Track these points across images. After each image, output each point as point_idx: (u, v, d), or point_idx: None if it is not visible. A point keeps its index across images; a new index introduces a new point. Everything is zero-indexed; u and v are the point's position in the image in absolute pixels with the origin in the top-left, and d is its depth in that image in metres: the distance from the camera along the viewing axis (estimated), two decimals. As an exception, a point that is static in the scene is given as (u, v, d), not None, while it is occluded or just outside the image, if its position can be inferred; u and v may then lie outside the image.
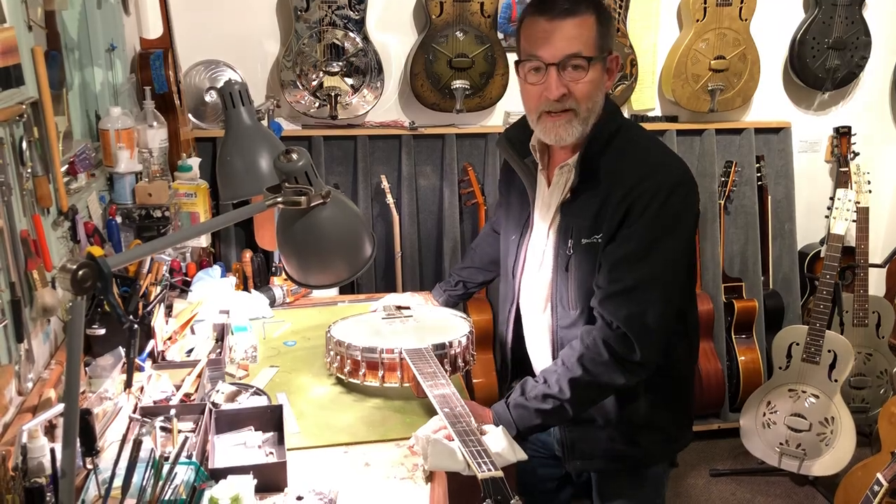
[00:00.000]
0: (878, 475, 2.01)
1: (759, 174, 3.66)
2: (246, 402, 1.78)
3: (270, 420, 1.68)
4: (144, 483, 1.32)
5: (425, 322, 2.01)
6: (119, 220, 2.20)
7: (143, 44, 2.84)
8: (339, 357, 1.87)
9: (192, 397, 1.78)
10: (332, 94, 3.18)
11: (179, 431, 1.59)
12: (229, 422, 1.66)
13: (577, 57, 1.54)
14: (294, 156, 1.38)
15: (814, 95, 3.69)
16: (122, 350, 1.76)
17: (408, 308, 2.09)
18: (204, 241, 2.54)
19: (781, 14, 3.55)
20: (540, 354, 1.82)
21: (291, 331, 2.26)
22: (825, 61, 3.51)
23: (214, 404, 1.72)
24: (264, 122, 2.87)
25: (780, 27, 3.55)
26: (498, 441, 1.41)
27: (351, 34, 3.15)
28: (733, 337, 3.66)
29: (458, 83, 3.24)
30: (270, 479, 1.49)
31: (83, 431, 1.30)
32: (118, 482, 1.32)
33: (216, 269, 2.39)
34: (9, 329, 1.52)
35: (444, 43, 3.21)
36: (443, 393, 1.59)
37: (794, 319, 3.70)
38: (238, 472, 1.44)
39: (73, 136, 2.10)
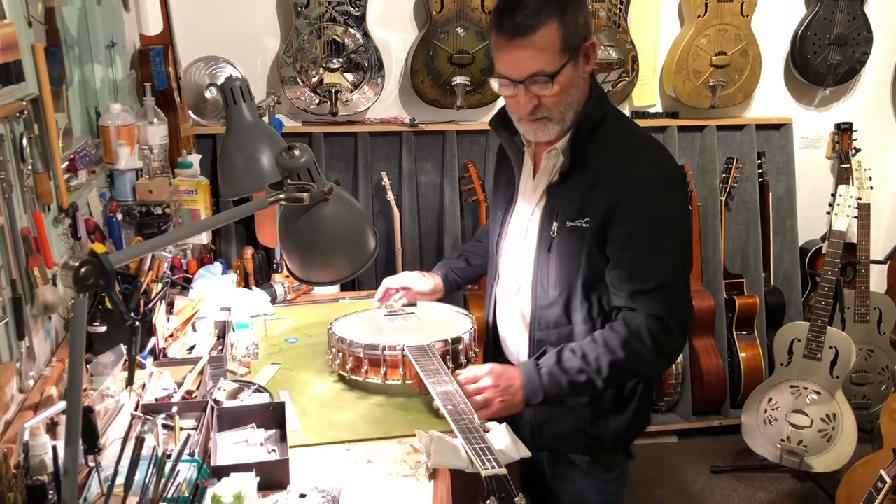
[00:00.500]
0: (882, 472, 2.01)
1: (760, 170, 3.65)
2: (248, 399, 1.77)
3: (272, 417, 1.68)
4: (147, 481, 1.32)
5: (427, 319, 2.00)
6: (120, 216, 2.20)
7: (143, 40, 2.83)
8: (341, 354, 1.86)
9: (194, 395, 1.77)
10: (333, 90, 3.17)
11: (181, 429, 1.58)
12: (231, 419, 1.65)
13: (540, 75, 1.55)
14: (296, 152, 1.37)
15: (815, 91, 3.68)
16: (123, 347, 1.75)
17: (411, 305, 2.07)
18: (205, 238, 2.53)
19: (783, 10, 3.54)
20: (514, 333, 1.85)
21: (293, 328, 2.26)
22: (826, 57, 3.51)
23: (216, 402, 1.71)
24: (265, 119, 2.86)
25: (781, 23, 3.55)
26: (501, 438, 1.41)
27: (351, 30, 3.15)
28: (734, 333, 3.66)
29: (458, 79, 3.23)
30: (273, 476, 1.49)
31: (85, 429, 1.29)
32: (120, 480, 1.31)
33: (217, 267, 2.38)
34: (10, 326, 1.52)
35: (444, 39, 3.20)
36: (446, 390, 1.59)
37: (796, 316, 3.69)
38: (240, 470, 1.43)
39: (73, 133, 2.09)
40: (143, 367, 1.81)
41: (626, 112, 3.55)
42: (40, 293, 1.62)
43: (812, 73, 3.54)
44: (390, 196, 3.32)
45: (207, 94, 3.15)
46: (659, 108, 3.61)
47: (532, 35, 1.53)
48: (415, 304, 2.07)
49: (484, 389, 1.64)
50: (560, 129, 1.65)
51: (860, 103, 3.75)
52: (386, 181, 3.32)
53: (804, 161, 3.76)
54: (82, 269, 1.00)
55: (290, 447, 1.60)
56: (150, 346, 1.87)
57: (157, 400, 1.71)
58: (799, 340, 3.13)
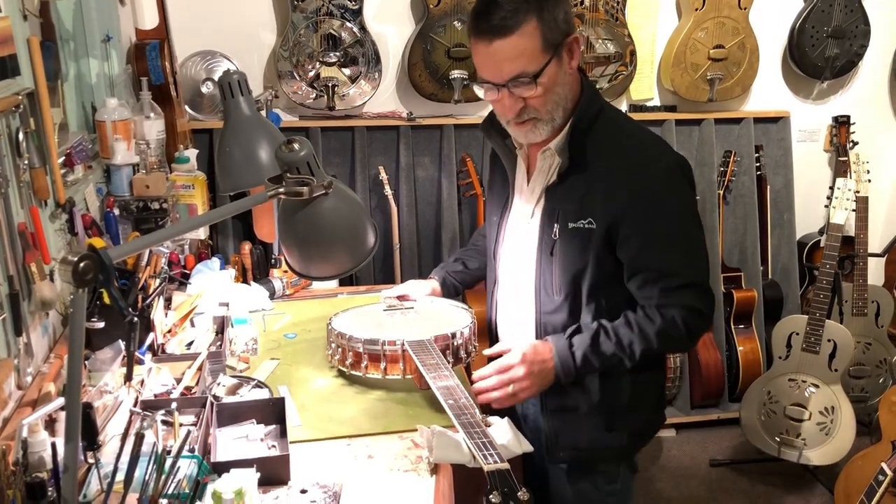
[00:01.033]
0: (883, 465, 2.00)
1: (757, 164, 3.65)
2: (247, 395, 1.77)
3: (272, 413, 1.67)
4: (147, 477, 1.31)
5: (427, 313, 1.99)
6: (117, 212, 2.18)
7: (139, 34, 2.81)
8: (340, 349, 1.86)
9: (193, 390, 1.76)
10: (330, 84, 3.16)
11: (181, 425, 1.58)
12: (231, 415, 1.65)
13: (523, 76, 1.52)
14: (296, 146, 1.36)
15: (813, 84, 3.68)
16: (121, 343, 1.74)
17: (410, 300, 2.07)
18: (202, 233, 2.52)
19: (780, 2, 3.54)
20: (518, 338, 1.79)
21: (291, 323, 2.25)
22: (824, 50, 3.50)
23: (216, 397, 1.71)
24: (263, 113, 2.85)
25: (778, 16, 3.54)
26: (503, 433, 1.40)
27: (348, 24, 3.13)
28: (732, 327, 3.66)
29: (456, 73, 3.22)
30: (273, 472, 1.48)
31: (84, 426, 1.28)
32: (120, 476, 1.31)
33: (215, 262, 2.37)
34: (7, 323, 1.50)
35: (441, 33, 3.19)
36: (447, 385, 1.58)
37: (794, 309, 3.70)
38: (241, 466, 1.42)
39: (68, 129, 2.07)
40: (141, 363, 1.80)
41: (624, 106, 3.54)
42: (37, 289, 1.61)
43: (810, 66, 3.53)
44: (388, 191, 3.31)
45: (204, 89, 3.14)
46: (657, 102, 3.60)
47: (510, 35, 1.49)
48: (414, 300, 2.06)
49: (518, 379, 1.61)
50: (550, 129, 1.62)
51: (858, 96, 3.75)
52: (383, 175, 3.31)
53: (802, 154, 3.76)
54: (81, 264, 0.99)
55: (291, 442, 1.60)
56: (148, 341, 1.86)
57: (155, 396, 1.70)
58: (797, 334, 3.13)
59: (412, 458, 1.60)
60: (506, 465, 1.25)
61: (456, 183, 3.42)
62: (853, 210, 3.18)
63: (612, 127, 1.64)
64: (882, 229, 3.86)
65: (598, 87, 3.29)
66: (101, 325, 1.76)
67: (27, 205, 1.64)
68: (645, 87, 3.53)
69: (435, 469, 1.48)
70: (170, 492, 1.32)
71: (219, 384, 1.77)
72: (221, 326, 2.04)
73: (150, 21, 2.92)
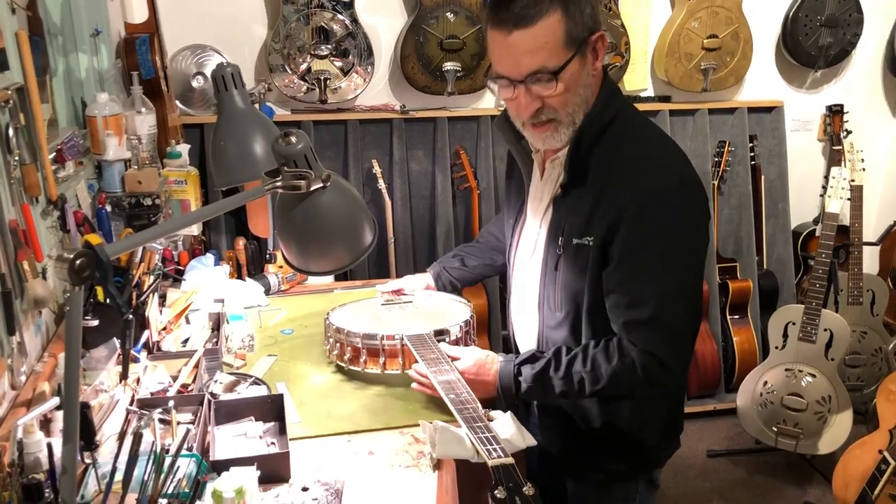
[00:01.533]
0: (885, 453, 2.00)
1: (752, 154, 3.64)
2: (245, 391, 1.75)
3: (271, 410, 1.65)
4: (146, 477, 1.29)
5: (425, 307, 1.97)
6: (109, 208, 2.16)
7: (128, 28, 2.78)
8: (338, 344, 1.84)
9: (190, 388, 1.74)
10: (322, 77, 3.13)
11: (178, 423, 1.56)
12: (229, 412, 1.63)
13: (542, 72, 1.41)
14: (293, 139, 1.34)
15: (806, 73, 3.67)
16: (116, 341, 1.71)
17: (406, 294, 2.05)
18: (195, 229, 2.49)
19: (773, -9, 3.53)
20: (527, 348, 1.75)
21: (288, 318, 2.23)
22: (818, 39, 3.49)
23: (213, 395, 1.68)
24: (256, 107, 2.82)
25: (772, 4, 3.53)
26: (506, 427, 1.38)
27: (339, 16, 3.10)
28: (728, 317, 3.65)
29: (449, 65, 3.20)
30: (273, 470, 1.46)
31: (81, 426, 1.26)
32: (118, 476, 1.29)
33: (209, 258, 2.34)
34: (0, 322, 1.48)
35: (434, 24, 3.17)
36: (447, 379, 1.56)
37: (789, 299, 3.70)
38: (240, 464, 1.40)
39: (58, 124, 2.04)
40: (136, 360, 1.77)
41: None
42: (30, 287, 1.58)
43: (803, 55, 3.53)
44: (381, 184, 3.28)
45: (194, 83, 3.11)
46: (651, 93, 3.58)
47: (531, 26, 1.38)
48: (410, 294, 2.04)
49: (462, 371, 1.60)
50: (570, 133, 1.49)
51: (851, 85, 3.75)
52: (377, 169, 3.29)
53: (796, 144, 3.75)
54: (77, 262, 0.96)
55: (290, 440, 1.57)
56: (143, 339, 1.84)
57: (152, 394, 1.68)
58: (794, 323, 3.12)
59: (413, 454, 1.58)
60: (510, 460, 1.23)
61: (450, 176, 3.40)
62: (848, 199, 3.18)
63: (624, 134, 1.51)
64: (875, 218, 3.87)
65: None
66: (95, 322, 1.74)
67: (18, 202, 1.61)
68: (639, 78, 3.51)
69: (438, 465, 1.46)
70: (169, 491, 1.30)
71: (216, 381, 1.75)
72: (217, 323, 2.02)
73: (139, 15, 2.88)
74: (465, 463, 1.33)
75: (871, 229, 3.80)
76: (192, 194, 2.43)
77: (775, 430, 3.18)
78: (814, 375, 3.10)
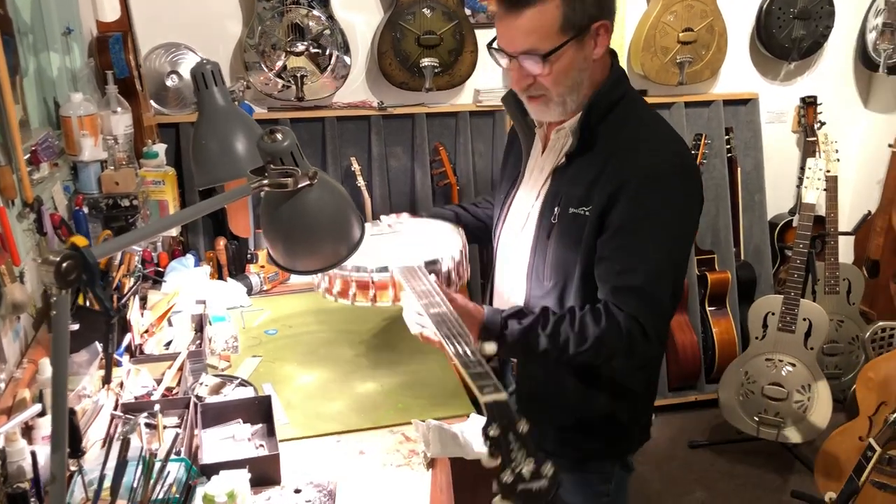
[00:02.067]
0: (871, 441, 2.02)
1: (728, 146, 3.67)
2: (231, 394, 1.72)
3: (258, 412, 1.63)
4: (135, 483, 1.26)
5: (415, 237, 1.88)
6: (86, 210, 2.12)
7: (100, 27, 2.72)
8: (327, 278, 1.77)
9: (175, 391, 1.71)
10: (298, 74, 3.10)
11: (165, 427, 1.53)
12: (216, 415, 1.60)
13: (532, 53, 1.47)
14: (279, 135, 1.31)
15: (780, 66, 3.70)
16: (98, 345, 1.68)
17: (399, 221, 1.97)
18: (174, 230, 2.45)
19: (747, -15, 3.55)
20: None
21: (271, 319, 2.20)
22: (791, 31, 3.52)
23: (199, 398, 1.66)
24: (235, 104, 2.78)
25: (746, -2, 3.55)
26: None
27: (315, 13, 3.07)
28: (707, 309, 3.68)
29: (426, 61, 3.18)
30: (264, 472, 1.44)
31: (68, 432, 1.23)
32: (107, 483, 1.26)
33: (189, 259, 2.31)
34: (-22, 328, 1.44)
35: (411, 20, 3.15)
36: (439, 312, 1.49)
37: (767, 289, 3.73)
38: (230, 467, 1.38)
39: (30, 125, 2.00)
40: (119, 364, 1.74)
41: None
42: (8, 292, 1.55)
43: (777, 47, 3.55)
44: (360, 182, 3.26)
45: (168, 82, 3.06)
46: (627, 86, 3.58)
47: (528, 8, 1.44)
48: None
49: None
50: (562, 111, 1.55)
51: (824, 77, 3.78)
52: (356, 166, 3.26)
53: (770, 135, 3.78)
54: (64, 264, 0.94)
55: (279, 441, 1.55)
56: (125, 342, 1.80)
57: (136, 398, 1.65)
58: (773, 314, 3.15)
59: (405, 453, 1.57)
60: (503, 396, 1.16)
61: (429, 172, 3.39)
62: (824, 189, 3.21)
63: (630, 116, 1.56)
64: (849, 208, 3.91)
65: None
66: (76, 326, 1.70)
67: (-6, 204, 1.57)
68: (615, 72, 3.51)
69: (432, 463, 1.45)
70: (159, 497, 1.28)
71: (201, 384, 1.72)
72: (200, 325, 1.99)
73: (111, 13, 2.82)
74: (459, 461, 1.32)
75: (845, 218, 3.84)
76: (169, 195, 2.39)
77: (757, 419, 3.20)
78: (794, 364, 3.13)
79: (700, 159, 3.61)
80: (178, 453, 1.41)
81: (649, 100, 3.51)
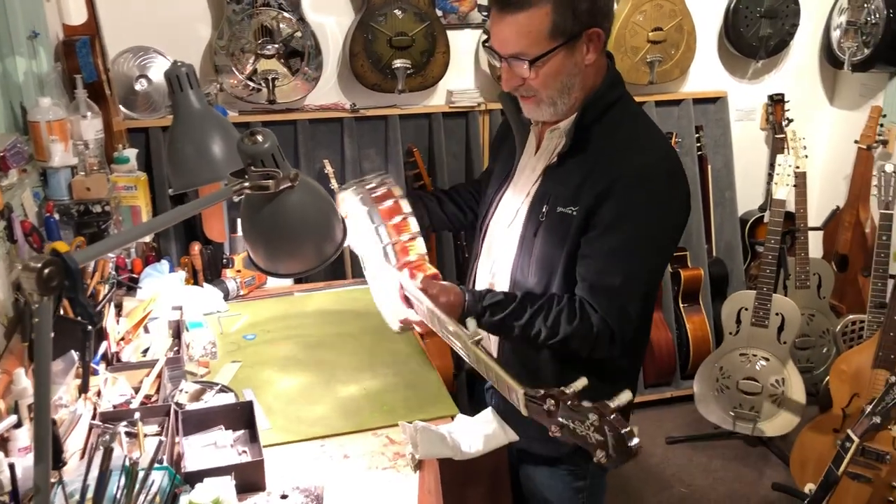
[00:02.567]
0: (849, 432, 2.05)
1: (698, 144, 3.70)
2: (212, 400, 1.70)
3: (240, 417, 1.61)
4: (117, 493, 1.24)
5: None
6: (57, 216, 2.07)
7: (67, 30, 2.68)
8: None
9: (154, 399, 1.68)
10: (269, 77, 3.07)
11: (146, 435, 1.50)
12: (197, 422, 1.58)
13: (521, 57, 1.49)
14: (259, 137, 1.29)
15: (748, 64, 3.74)
16: (74, 354, 1.65)
17: None
18: (147, 236, 2.41)
19: (715, -16, 3.59)
20: None
21: (249, 324, 2.18)
22: (758, 30, 3.57)
23: (179, 405, 1.63)
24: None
25: (713, -3, 3.59)
26: (488, 422, 1.37)
27: (286, 14, 3.04)
28: (681, 305, 3.71)
29: (398, 62, 3.17)
30: (248, 478, 1.43)
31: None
32: (89, 494, 1.23)
33: (164, 265, 2.28)
34: (-50, 338, 1.41)
35: (382, 22, 3.13)
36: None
37: (739, 285, 3.77)
38: (213, 474, 1.36)
39: (-6, 132, 1.96)
40: (95, 373, 1.71)
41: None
42: (-20, 301, 1.51)
43: (745, 45, 3.60)
44: (334, 184, 3.23)
45: (137, 87, 3.01)
46: (598, 86, 3.60)
47: (518, 13, 1.45)
48: None
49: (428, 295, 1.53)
50: (553, 112, 1.57)
51: (791, 74, 3.84)
52: (329, 169, 3.24)
53: (740, 133, 3.83)
54: (46, 271, 0.92)
55: (263, 447, 1.53)
56: (101, 350, 1.77)
57: (115, 407, 1.62)
58: (746, 309, 3.19)
59: (390, 455, 1.56)
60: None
61: (404, 174, 3.37)
62: (794, 185, 3.25)
63: (623, 117, 1.58)
64: (818, 203, 3.96)
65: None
66: (51, 335, 1.66)
67: (-36, 212, 1.53)
68: (586, 72, 3.53)
69: (419, 465, 1.44)
70: (142, 507, 1.25)
71: (181, 391, 1.70)
72: (177, 331, 1.96)
73: (77, 16, 2.78)
74: (447, 462, 1.31)
75: (813, 213, 3.89)
76: (142, 200, 2.35)
77: (732, 414, 3.24)
78: (767, 359, 3.17)
79: (671, 157, 3.64)
80: (160, 461, 1.38)
81: (621, 99, 3.55)
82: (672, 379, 3.73)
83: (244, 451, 1.55)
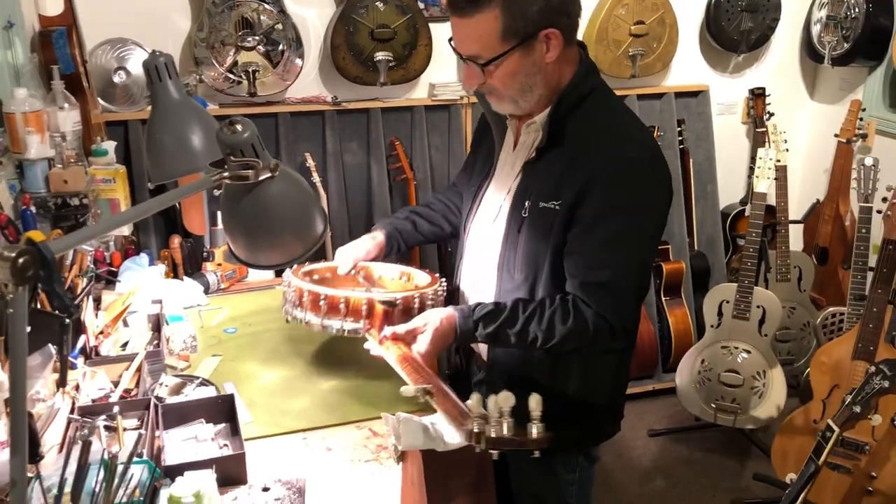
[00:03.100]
0: (829, 421, 2.06)
1: (680, 138, 3.72)
2: (192, 394, 1.68)
3: (221, 411, 1.59)
4: (96, 487, 1.22)
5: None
6: (34, 209, 2.05)
7: (43, 21, 2.64)
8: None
9: (133, 392, 1.66)
10: (250, 70, 3.04)
11: (125, 429, 1.48)
12: (177, 416, 1.56)
13: (476, 60, 1.50)
14: (239, 127, 1.28)
15: (729, 58, 3.76)
16: (51, 347, 1.62)
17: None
18: (126, 229, 2.39)
19: (696, -23, 3.59)
20: None
21: (230, 317, 2.16)
22: (739, 23, 3.58)
23: (159, 398, 1.62)
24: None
25: (695, -10, 3.60)
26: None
27: (267, 6, 3.02)
28: (662, 299, 3.72)
29: (380, 55, 3.15)
30: (229, 472, 1.41)
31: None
32: (67, 488, 1.21)
33: (143, 258, 2.25)
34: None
35: (364, 14, 3.12)
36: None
37: (720, 278, 3.79)
38: (194, 468, 1.35)
39: (-29, 122, 1.93)
40: (74, 367, 1.68)
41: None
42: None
43: (726, 39, 3.61)
44: (316, 178, 3.22)
45: (116, 79, 2.98)
46: (581, 79, 3.60)
47: (468, 18, 1.47)
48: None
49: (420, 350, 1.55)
50: (516, 108, 1.58)
51: (772, 69, 3.85)
52: (310, 163, 3.22)
53: (721, 127, 3.84)
54: (20, 260, 0.90)
55: (245, 440, 1.52)
56: (80, 344, 1.75)
57: (94, 401, 1.60)
58: (727, 302, 3.20)
59: (372, 448, 1.55)
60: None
61: (386, 167, 3.36)
62: (775, 179, 3.27)
63: (600, 110, 1.57)
64: (798, 196, 3.99)
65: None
66: (28, 328, 1.64)
67: (-62, 203, 1.51)
68: (569, 65, 3.53)
69: (402, 457, 1.43)
70: (121, 501, 1.24)
71: (161, 384, 1.68)
72: (157, 325, 1.94)
73: (53, 7, 2.74)
74: (431, 453, 1.30)
75: (794, 207, 3.92)
76: (121, 193, 2.33)
77: (714, 406, 3.25)
78: (749, 351, 3.18)
79: (653, 151, 3.65)
80: (140, 455, 1.37)
81: (603, 92, 3.55)
82: (654, 372, 3.74)
83: (225, 445, 1.53)
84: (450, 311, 1.58)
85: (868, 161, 2.86)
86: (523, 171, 1.62)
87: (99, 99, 2.92)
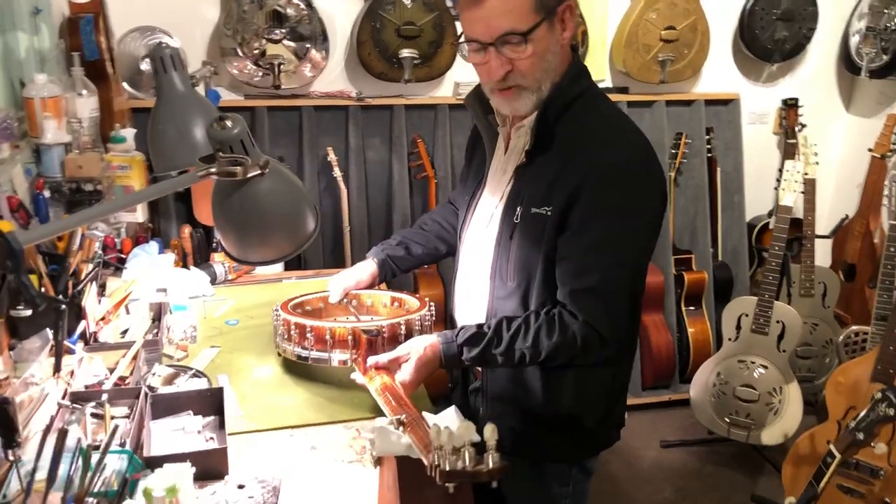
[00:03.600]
0: (831, 447, 2.01)
1: (708, 146, 3.66)
2: (184, 385, 1.69)
3: (211, 404, 1.60)
4: (72, 474, 1.24)
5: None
6: (47, 194, 2.08)
7: (72, 8, 2.68)
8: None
9: (127, 381, 1.68)
10: (275, 62, 3.06)
11: (112, 417, 1.50)
12: (166, 406, 1.57)
13: (512, 34, 1.44)
14: (228, 123, 1.28)
15: (762, 67, 3.69)
16: (49, 332, 1.65)
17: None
18: (140, 215, 2.41)
19: (731, -16, 3.53)
20: (471, 323, 1.70)
21: (234, 309, 2.17)
22: (774, 32, 3.51)
23: (150, 388, 1.63)
24: (200, 90, 2.74)
25: (729, -3, 3.54)
26: (450, 421, 1.35)
27: (294, 0, 3.03)
28: (683, 309, 3.67)
29: (406, 52, 3.15)
30: (210, 466, 1.41)
31: (2, 422, 1.20)
32: (42, 475, 1.23)
33: (153, 246, 2.28)
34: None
35: (391, 10, 3.11)
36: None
37: (743, 290, 3.72)
38: (176, 460, 1.35)
39: (-6, 106, 1.97)
40: (72, 352, 1.71)
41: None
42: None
43: (760, 48, 3.54)
44: (337, 173, 3.23)
45: (143, 66, 3.01)
46: (609, 83, 3.57)
47: None
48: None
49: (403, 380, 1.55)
50: (536, 100, 1.52)
51: (806, 79, 3.77)
52: (332, 157, 3.23)
53: (751, 136, 3.77)
54: (-13, 250, 0.91)
55: (231, 434, 1.53)
56: (79, 329, 1.77)
57: (86, 387, 1.62)
58: (747, 315, 3.14)
59: (357, 449, 1.54)
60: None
61: (407, 165, 3.36)
62: (801, 192, 3.20)
63: (590, 110, 1.55)
64: (828, 211, 3.90)
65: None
66: (28, 312, 1.67)
67: (-56, 186, 1.54)
68: (597, 68, 3.50)
69: (379, 461, 1.43)
70: (96, 489, 1.25)
71: (154, 374, 1.69)
72: (159, 313, 1.96)
73: (83, -6, 2.78)
74: (406, 460, 1.30)
75: (824, 222, 3.84)
76: (136, 180, 2.35)
77: (727, 420, 3.20)
78: (766, 367, 3.12)
79: (680, 159, 3.60)
80: (122, 445, 1.38)
81: (631, 97, 3.52)
82: (671, 382, 3.69)
83: (212, 438, 1.54)
84: (433, 340, 1.58)
85: (900, 177, 2.79)
86: (515, 176, 1.60)
87: (125, 85, 2.96)
